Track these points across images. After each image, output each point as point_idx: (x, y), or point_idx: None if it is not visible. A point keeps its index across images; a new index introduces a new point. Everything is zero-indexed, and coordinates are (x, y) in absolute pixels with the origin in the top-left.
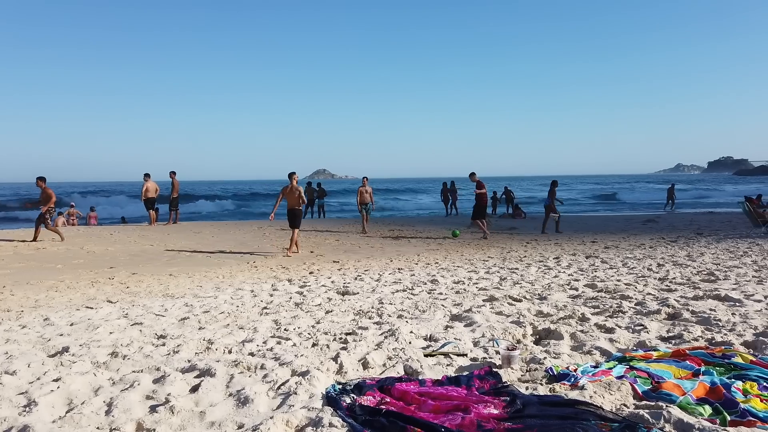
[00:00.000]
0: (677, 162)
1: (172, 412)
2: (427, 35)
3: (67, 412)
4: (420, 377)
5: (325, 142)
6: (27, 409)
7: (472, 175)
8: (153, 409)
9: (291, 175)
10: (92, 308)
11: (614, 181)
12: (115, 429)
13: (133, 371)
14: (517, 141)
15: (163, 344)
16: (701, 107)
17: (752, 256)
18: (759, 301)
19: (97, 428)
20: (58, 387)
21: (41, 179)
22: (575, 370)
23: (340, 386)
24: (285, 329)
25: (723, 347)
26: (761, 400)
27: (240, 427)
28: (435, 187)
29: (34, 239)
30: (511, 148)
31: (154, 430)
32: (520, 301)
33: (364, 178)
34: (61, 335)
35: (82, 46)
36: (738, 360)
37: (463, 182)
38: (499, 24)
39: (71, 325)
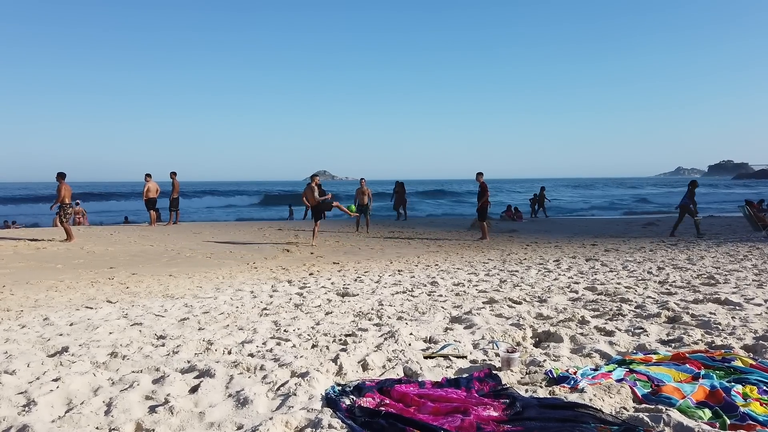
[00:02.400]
0: (678, 165)
1: (172, 413)
2: (430, 37)
3: (66, 412)
4: (419, 379)
5: (326, 143)
6: (26, 408)
7: (479, 175)
8: (152, 409)
9: (313, 177)
10: (92, 308)
11: (627, 184)
12: (114, 429)
13: (133, 371)
14: (516, 143)
15: (163, 345)
16: (702, 110)
17: (752, 260)
18: (759, 305)
19: (97, 428)
20: (58, 387)
21: (60, 175)
22: (575, 373)
23: (340, 388)
24: (285, 330)
25: (723, 351)
26: (761, 404)
27: (239, 427)
28: (435, 190)
29: (69, 238)
30: (510, 150)
31: (154, 430)
32: (519, 303)
33: (361, 179)
34: (61, 335)
35: (79, 45)
36: (738, 364)
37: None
38: (500, 26)
39: (71, 325)
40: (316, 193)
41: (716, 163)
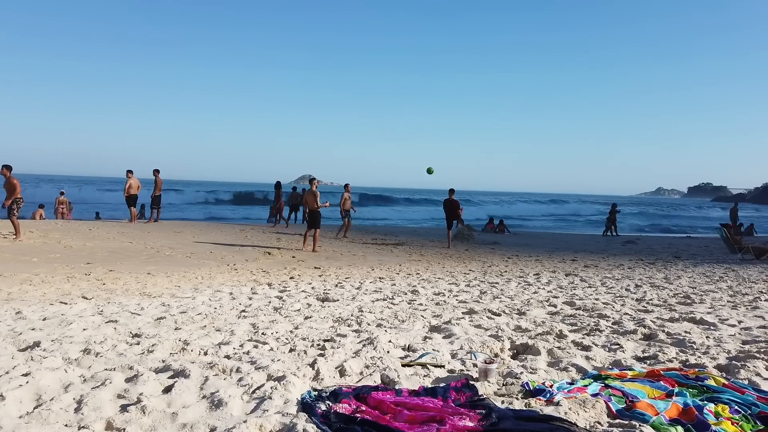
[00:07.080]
0: (658, 185)
1: (144, 412)
2: (421, 40)
3: (35, 408)
4: (397, 387)
5: (310, 147)
6: None
7: (345, 187)
8: (124, 408)
9: (311, 180)
10: (66, 304)
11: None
12: (83, 427)
13: (106, 369)
14: (495, 156)
15: (138, 343)
16: (682, 133)
17: (728, 282)
18: (733, 325)
19: (66, 425)
20: (27, 382)
21: (6, 167)
22: (551, 386)
23: (316, 393)
24: (262, 333)
25: (697, 369)
26: (732, 423)
27: (212, 430)
28: (422, 198)
29: (17, 235)
30: (489, 163)
31: (124, 429)
32: (499, 315)
33: (346, 184)
34: (33, 330)
35: (66, 37)
36: (711, 383)
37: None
38: (469, 40)
39: (44, 319)
40: (318, 198)
41: (696, 185)
